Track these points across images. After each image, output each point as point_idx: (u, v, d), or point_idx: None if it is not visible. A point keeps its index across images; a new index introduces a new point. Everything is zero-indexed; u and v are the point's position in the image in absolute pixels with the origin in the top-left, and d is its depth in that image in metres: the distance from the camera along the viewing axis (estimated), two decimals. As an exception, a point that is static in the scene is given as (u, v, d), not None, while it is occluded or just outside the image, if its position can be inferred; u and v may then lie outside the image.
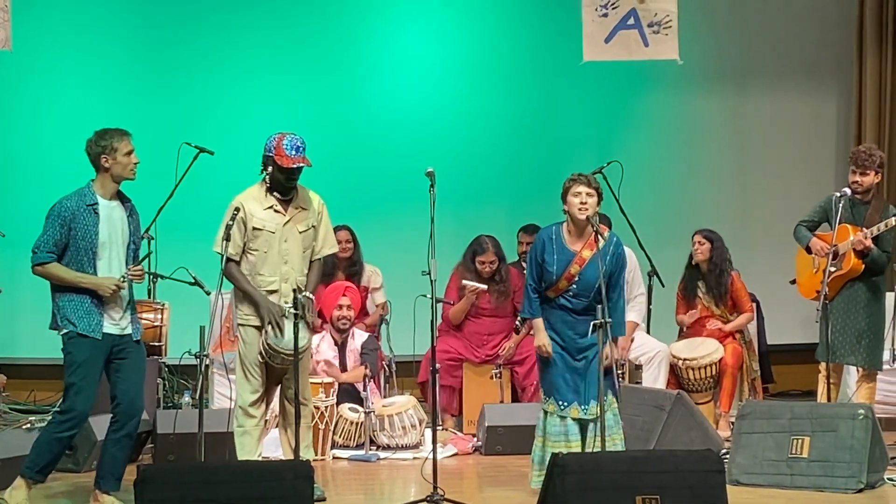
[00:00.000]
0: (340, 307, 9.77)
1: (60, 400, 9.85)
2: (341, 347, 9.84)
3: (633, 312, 9.77)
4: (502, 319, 10.45)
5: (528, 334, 9.83)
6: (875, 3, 11.86)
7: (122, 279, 7.35)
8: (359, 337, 9.94)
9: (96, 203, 7.38)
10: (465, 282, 10.28)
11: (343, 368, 9.79)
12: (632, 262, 9.39)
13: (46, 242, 7.28)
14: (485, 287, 10.28)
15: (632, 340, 9.81)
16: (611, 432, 7.69)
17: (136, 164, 7.44)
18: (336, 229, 9.64)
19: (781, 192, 11.74)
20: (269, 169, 7.82)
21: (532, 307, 7.85)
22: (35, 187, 11.18)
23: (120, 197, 7.52)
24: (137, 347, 7.57)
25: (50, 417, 7.52)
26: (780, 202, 11.29)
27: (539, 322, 7.84)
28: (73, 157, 10.21)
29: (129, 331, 7.49)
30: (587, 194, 7.72)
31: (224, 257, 7.77)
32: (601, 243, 7.74)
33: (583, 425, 7.72)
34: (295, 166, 7.77)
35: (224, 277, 7.78)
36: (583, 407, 7.69)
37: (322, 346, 9.77)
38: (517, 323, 10.28)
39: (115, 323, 7.41)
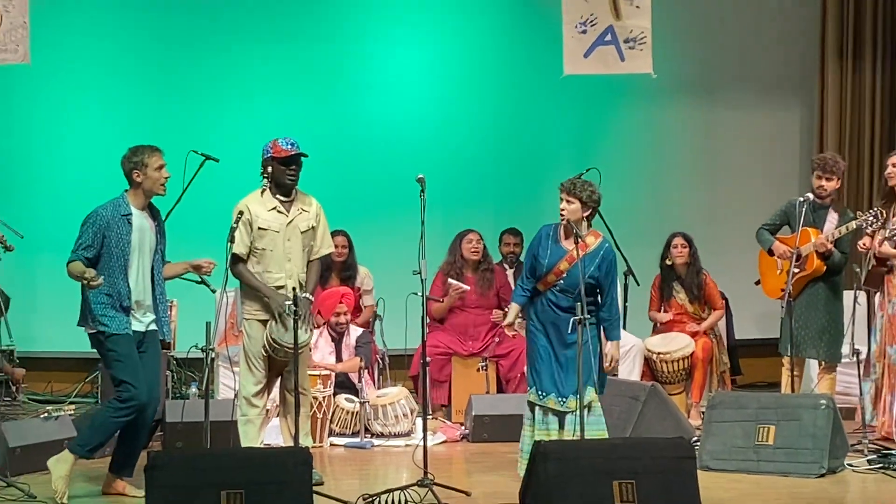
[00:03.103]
0: (338, 314, 9.84)
1: (76, 389, 9.89)
2: (337, 343, 9.88)
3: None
4: (488, 312, 10.47)
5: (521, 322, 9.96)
6: (835, 20, 11.89)
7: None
8: (353, 332, 9.98)
9: (130, 214, 7.42)
10: (450, 281, 10.32)
11: (339, 362, 9.83)
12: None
13: (79, 245, 7.33)
14: (468, 288, 10.34)
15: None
16: (594, 428, 7.70)
17: (166, 178, 7.48)
18: (333, 234, 9.68)
19: (746, 197, 11.78)
20: (269, 169, 7.89)
21: (517, 293, 7.97)
22: (52, 193, 11.22)
23: (150, 209, 7.58)
24: (155, 343, 7.63)
25: (107, 403, 7.52)
26: (745, 207, 11.32)
27: (515, 307, 8.00)
28: (89, 164, 10.33)
29: (152, 327, 7.54)
30: (566, 201, 7.80)
31: (228, 256, 7.81)
32: (592, 246, 7.80)
33: (560, 417, 7.75)
34: (293, 154, 7.86)
35: (230, 275, 7.81)
36: (560, 399, 7.70)
37: (320, 342, 9.81)
38: (496, 320, 10.38)
39: (139, 321, 7.47)
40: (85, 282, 7.20)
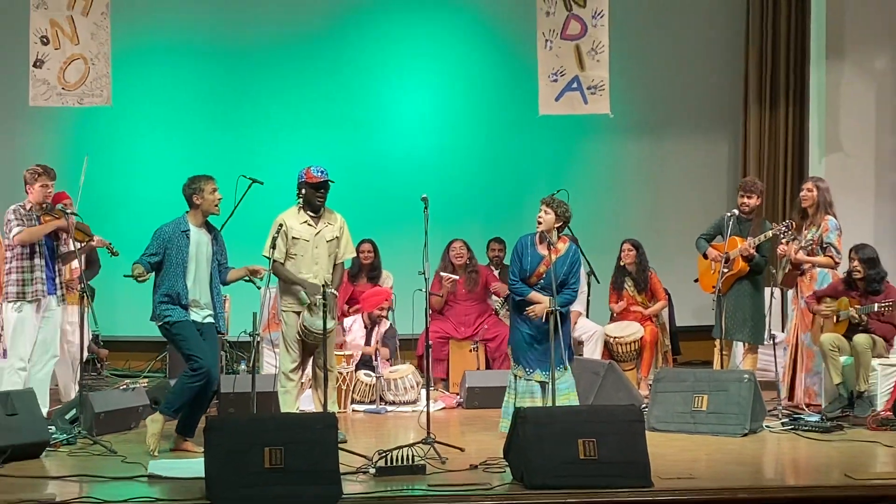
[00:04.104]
0: (381, 309, 9.92)
1: (149, 366, 9.86)
2: (369, 330, 9.87)
3: (577, 304, 9.78)
4: (476, 303, 10.47)
5: (505, 314, 9.97)
6: (756, 73, 11.89)
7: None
8: (383, 325, 9.99)
9: (188, 230, 7.46)
10: (442, 273, 10.34)
11: (367, 344, 9.85)
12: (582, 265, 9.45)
13: (146, 253, 7.41)
14: (457, 277, 10.36)
15: (575, 323, 9.84)
16: (566, 393, 7.75)
17: (219, 199, 7.54)
18: (362, 241, 9.81)
19: (686, 212, 11.75)
20: (303, 191, 7.90)
21: (523, 289, 7.86)
22: (131, 213, 11.17)
23: (207, 226, 7.60)
24: (212, 333, 7.63)
25: (182, 374, 7.56)
26: (684, 220, 11.29)
27: (535, 294, 7.81)
28: (159, 189, 10.29)
29: (209, 320, 7.56)
30: (544, 212, 7.82)
31: (271, 260, 7.83)
32: (562, 251, 7.81)
33: (543, 386, 7.76)
34: (322, 180, 7.87)
35: (272, 274, 7.82)
36: (544, 373, 7.72)
37: (354, 327, 9.83)
38: (496, 307, 10.39)
39: (196, 314, 7.50)
40: (133, 277, 7.33)
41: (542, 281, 7.80)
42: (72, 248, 8.26)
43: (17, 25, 10.23)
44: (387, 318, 10.09)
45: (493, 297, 10.50)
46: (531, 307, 7.78)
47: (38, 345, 8.18)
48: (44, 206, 8.21)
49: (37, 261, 8.12)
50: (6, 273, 8.15)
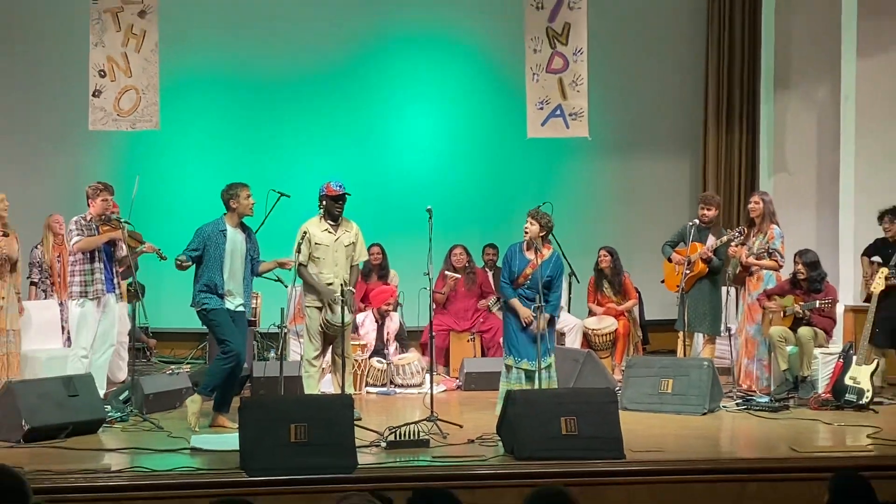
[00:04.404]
0: (388, 304, 9.86)
1: (191, 353, 9.84)
2: (380, 325, 9.85)
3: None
4: (473, 300, 10.46)
5: (497, 310, 9.93)
6: (714, 97, 11.85)
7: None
8: (394, 321, 9.94)
9: (225, 230, 7.49)
10: (447, 272, 10.36)
11: (379, 339, 9.76)
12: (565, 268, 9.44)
13: (189, 248, 7.44)
14: (459, 276, 10.37)
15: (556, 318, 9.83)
16: (549, 380, 7.75)
17: (252, 203, 7.58)
18: (371, 246, 9.78)
19: (653, 222, 11.69)
20: (324, 203, 7.94)
21: (508, 293, 7.87)
22: (174, 214, 11.17)
23: (242, 226, 7.61)
24: (243, 319, 7.63)
25: (216, 357, 7.62)
26: (652, 229, 11.25)
27: (516, 301, 7.81)
28: (201, 200, 10.29)
29: (240, 309, 7.56)
30: (530, 223, 7.81)
31: (296, 263, 7.84)
32: (546, 256, 7.81)
33: (529, 374, 7.75)
34: (340, 193, 7.92)
35: (297, 276, 7.83)
36: (531, 362, 7.72)
37: (366, 321, 9.81)
38: (489, 305, 10.37)
39: (230, 303, 7.51)
40: (177, 263, 7.41)
41: (528, 281, 7.80)
42: (125, 253, 8.29)
43: (77, 61, 10.24)
44: (395, 311, 10.08)
45: (482, 301, 10.48)
46: (525, 317, 7.75)
47: (98, 336, 8.20)
48: (102, 217, 8.23)
49: (96, 264, 8.14)
50: (70, 274, 8.18)
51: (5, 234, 8.55)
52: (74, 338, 8.21)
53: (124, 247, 8.29)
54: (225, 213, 7.57)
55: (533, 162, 11.90)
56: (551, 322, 7.82)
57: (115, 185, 8.68)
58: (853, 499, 3.75)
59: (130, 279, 8.32)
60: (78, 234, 8.10)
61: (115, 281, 8.40)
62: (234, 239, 7.54)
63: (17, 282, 8.78)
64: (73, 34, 10.59)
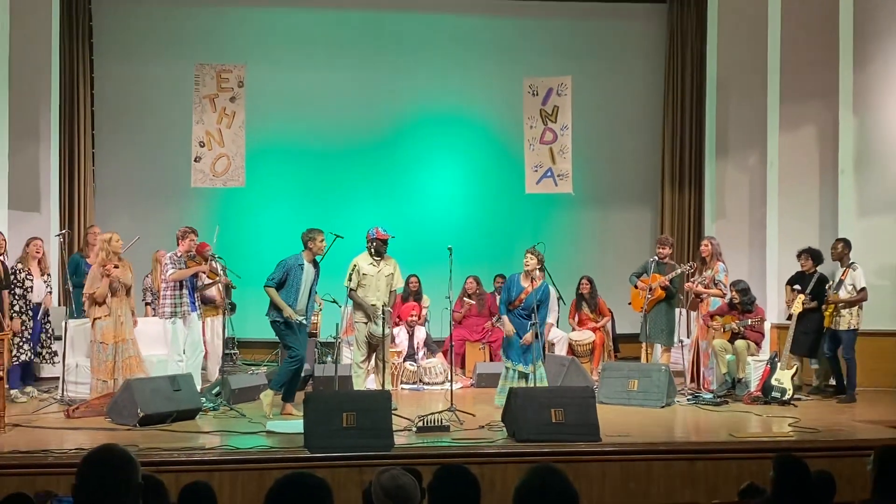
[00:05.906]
0: (412, 317, 9.81)
1: (266, 358, 9.79)
2: (410, 337, 9.83)
3: (550, 318, 9.75)
4: (484, 318, 10.42)
5: (497, 326, 9.90)
6: (669, 162, 11.81)
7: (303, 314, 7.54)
8: (419, 331, 9.87)
9: (302, 264, 7.52)
10: (465, 299, 10.35)
11: (410, 347, 9.69)
12: (553, 294, 9.41)
13: (273, 278, 7.44)
14: (473, 303, 10.36)
15: (548, 331, 9.80)
16: (541, 381, 7.73)
17: (324, 247, 7.62)
18: (410, 276, 9.77)
19: (622, 258, 11.57)
20: (374, 242, 7.93)
21: (502, 311, 7.91)
22: (259, 251, 11.18)
23: (314, 262, 7.64)
24: (305, 330, 7.66)
25: (284, 358, 7.67)
26: (621, 263, 11.17)
27: (506, 318, 7.89)
28: (276, 242, 10.33)
29: (305, 322, 7.58)
30: (529, 258, 7.83)
31: (349, 289, 7.86)
32: (538, 285, 7.81)
33: (522, 375, 7.73)
34: (387, 237, 7.93)
35: (349, 298, 7.84)
36: (525, 366, 7.71)
37: (400, 333, 9.79)
38: (493, 322, 10.34)
39: (298, 318, 7.52)
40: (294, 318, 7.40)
41: (522, 304, 7.82)
42: (205, 282, 8.36)
43: (182, 135, 10.39)
44: (422, 324, 10.07)
45: (489, 322, 10.45)
46: (508, 332, 7.82)
47: (188, 345, 8.24)
48: (189, 253, 8.29)
49: (184, 290, 8.21)
50: (162, 298, 8.24)
51: (117, 266, 8.63)
52: (171, 347, 8.25)
53: (205, 278, 8.36)
54: (303, 251, 7.60)
55: (529, 211, 11.90)
56: (540, 335, 7.79)
57: (208, 231, 8.72)
58: (792, 473, 3.72)
59: (226, 300, 8.32)
60: (172, 267, 8.17)
61: (197, 303, 8.45)
62: (308, 272, 7.59)
63: (131, 302, 8.85)
64: (180, 115, 10.72)
